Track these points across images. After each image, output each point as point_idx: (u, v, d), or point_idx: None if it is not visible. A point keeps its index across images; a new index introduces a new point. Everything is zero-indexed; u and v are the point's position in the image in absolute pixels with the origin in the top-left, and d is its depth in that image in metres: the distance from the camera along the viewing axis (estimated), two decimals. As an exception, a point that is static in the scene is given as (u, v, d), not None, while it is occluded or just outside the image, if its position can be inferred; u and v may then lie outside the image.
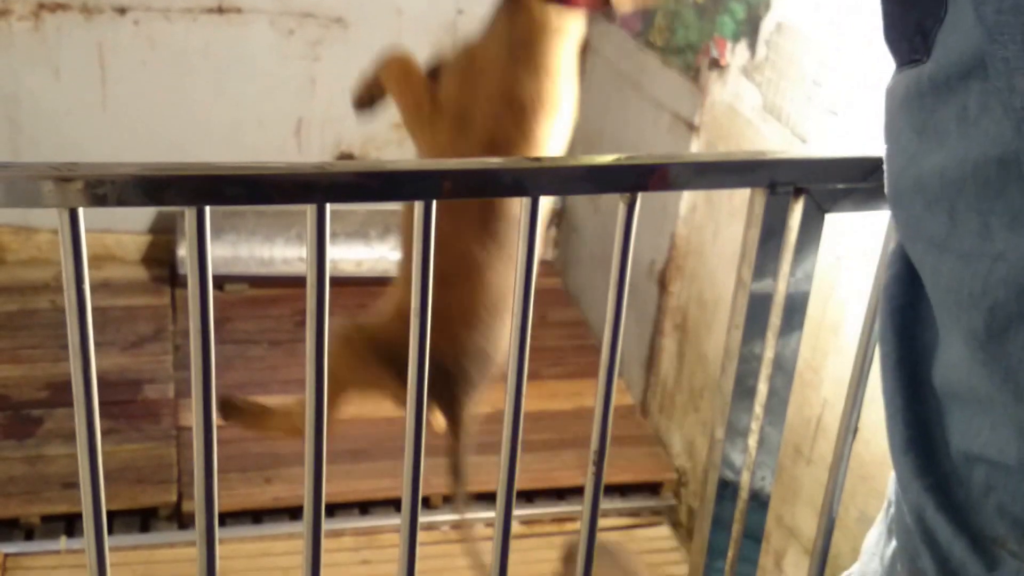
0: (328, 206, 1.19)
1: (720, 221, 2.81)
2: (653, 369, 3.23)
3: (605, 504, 1.48)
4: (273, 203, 1.20)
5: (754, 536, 1.52)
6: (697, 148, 2.91)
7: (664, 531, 2.93)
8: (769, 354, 1.37)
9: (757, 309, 1.34)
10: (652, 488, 3.08)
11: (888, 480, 1.02)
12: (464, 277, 1.98)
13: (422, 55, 3.85)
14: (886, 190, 0.80)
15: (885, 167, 0.80)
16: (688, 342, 3.03)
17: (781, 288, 1.34)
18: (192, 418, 1.20)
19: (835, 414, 2.15)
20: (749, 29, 2.62)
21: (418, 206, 1.23)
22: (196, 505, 1.26)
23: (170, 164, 1.12)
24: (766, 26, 2.57)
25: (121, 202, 1.10)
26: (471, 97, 2.00)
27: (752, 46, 2.61)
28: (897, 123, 0.76)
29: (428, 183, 1.23)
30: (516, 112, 1.95)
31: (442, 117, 1.96)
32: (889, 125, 0.78)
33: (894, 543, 0.95)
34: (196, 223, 1.14)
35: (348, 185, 1.22)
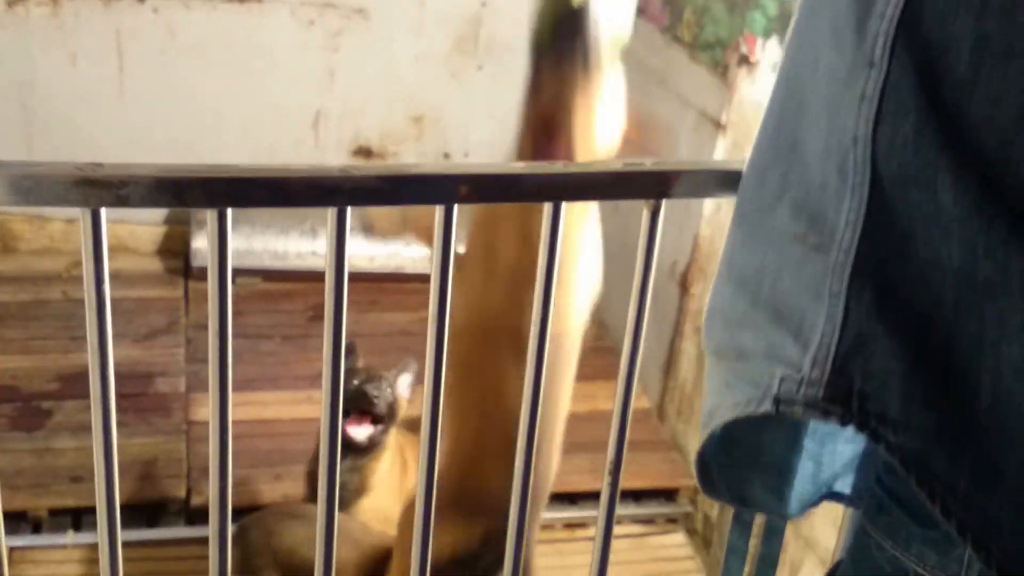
0: (348, 209, 1.17)
1: (742, 225, 2.77)
2: (671, 372, 3.20)
3: (619, 510, 1.45)
4: (295, 206, 1.19)
5: (773, 546, 1.50)
6: (723, 147, 2.87)
7: (679, 538, 2.88)
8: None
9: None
10: (668, 494, 3.03)
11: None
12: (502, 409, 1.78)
13: (445, 48, 3.78)
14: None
15: None
16: (707, 346, 2.99)
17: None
18: (208, 413, 1.19)
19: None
20: (781, 25, 2.58)
21: (439, 210, 1.21)
22: (211, 502, 1.25)
23: (193, 166, 1.10)
24: (797, 25, 2.53)
25: (144, 203, 1.09)
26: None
27: (784, 43, 2.57)
28: None
29: (450, 187, 1.21)
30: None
31: None
32: None
33: None
34: (218, 225, 1.12)
35: (370, 189, 1.20)
